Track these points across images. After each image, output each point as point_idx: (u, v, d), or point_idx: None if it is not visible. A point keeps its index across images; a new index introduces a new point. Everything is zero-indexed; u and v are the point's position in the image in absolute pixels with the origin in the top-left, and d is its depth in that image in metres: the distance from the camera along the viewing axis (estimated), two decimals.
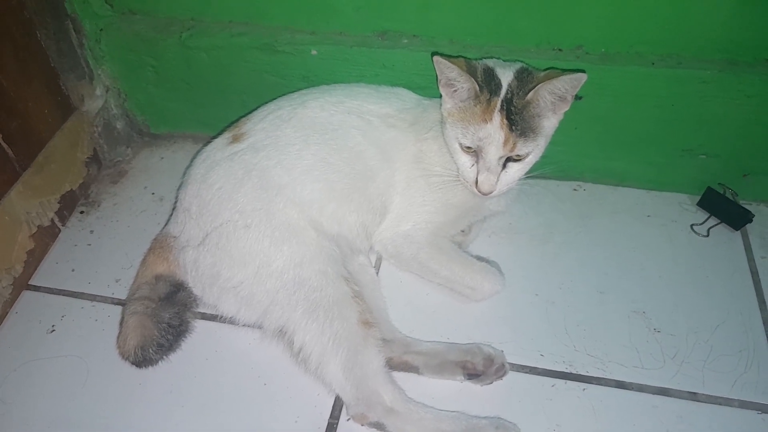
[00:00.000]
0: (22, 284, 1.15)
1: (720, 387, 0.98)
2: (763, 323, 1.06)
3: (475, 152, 0.96)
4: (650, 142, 1.21)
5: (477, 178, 0.96)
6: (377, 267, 1.17)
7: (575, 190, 1.32)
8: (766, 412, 0.95)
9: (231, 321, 1.02)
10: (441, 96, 0.99)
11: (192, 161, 1.11)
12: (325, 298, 0.94)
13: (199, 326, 1.07)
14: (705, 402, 0.97)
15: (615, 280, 1.14)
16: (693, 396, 0.97)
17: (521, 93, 0.92)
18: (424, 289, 1.13)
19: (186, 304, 1.06)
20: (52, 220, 1.23)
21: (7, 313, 1.11)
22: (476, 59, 1.01)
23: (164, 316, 1.02)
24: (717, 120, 1.14)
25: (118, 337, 1.03)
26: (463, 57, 0.99)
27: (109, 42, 1.28)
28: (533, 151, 0.95)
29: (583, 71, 0.88)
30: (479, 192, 0.97)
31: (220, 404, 0.98)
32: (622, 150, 1.24)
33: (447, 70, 0.93)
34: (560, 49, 1.11)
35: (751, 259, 1.16)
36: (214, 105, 1.35)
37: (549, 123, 0.95)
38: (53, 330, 1.09)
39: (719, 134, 1.16)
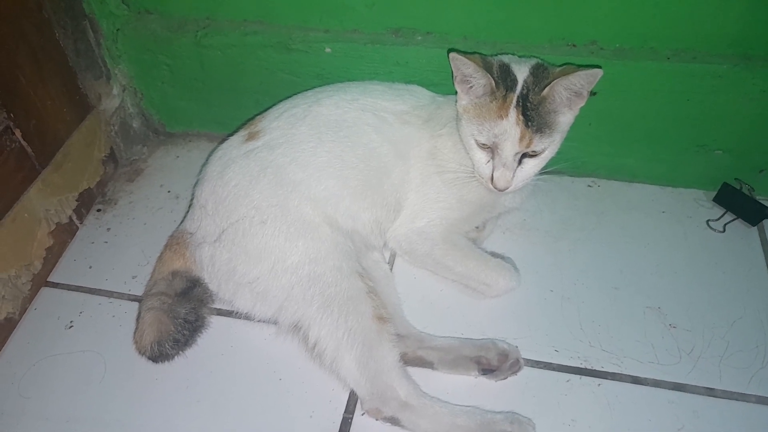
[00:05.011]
0: (41, 281, 1.17)
1: (737, 382, 0.97)
2: None
3: (490, 148, 0.96)
4: (664, 138, 1.21)
5: (493, 174, 0.97)
6: (391, 263, 1.17)
7: (589, 186, 1.31)
8: None
9: (246, 317, 1.03)
10: (455, 93, 0.99)
11: (208, 159, 1.12)
12: (340, 294, 0.95)
13: (215, 322, 1.08)
14: (721, 397, 0.96)
15: (630, 276, 1.13)
16: (709, 391, 0.97)
17: (537, 89, 0.92)
18: (438, 285, 1.13)
19: (202, 300, 1.06)
20: (70, 218, 1.25)
21: (26, 309, 1.13)
22: (491, 55, 1.01)
23: (180, 312, 1.03)
24: (731, 115, 1.13)
25: (134, 333, 1.04)
26: (478, 53, 0.99)
27: (126, 41, 1.29)
28: (549, 146, 0.95)
29: (599, 67, 0.88)
30: (495, 188, 0.97)
31: (236, 399, 0.99)
32: (636, 146, 1.24)
33: (463, 67, 0.93)
34: (574, 45, 1.11)
35: None
36: (228, 104, 1.36)
37: (565, 119, 0.95)
38: (71, 326, 1.10)
39: (734, 129, 1.16)
